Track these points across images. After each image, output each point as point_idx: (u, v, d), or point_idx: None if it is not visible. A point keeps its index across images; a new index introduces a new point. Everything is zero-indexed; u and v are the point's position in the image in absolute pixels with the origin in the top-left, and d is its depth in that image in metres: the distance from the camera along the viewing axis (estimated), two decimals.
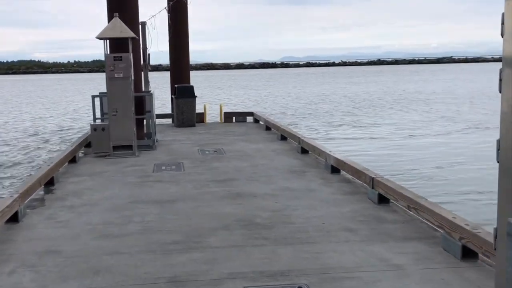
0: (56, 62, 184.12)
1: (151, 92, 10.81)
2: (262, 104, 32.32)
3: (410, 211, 5.31)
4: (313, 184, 7.13)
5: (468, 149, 14.76)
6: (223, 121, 15.19)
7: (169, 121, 15.43)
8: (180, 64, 15.01)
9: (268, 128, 13.09)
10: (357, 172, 6.81)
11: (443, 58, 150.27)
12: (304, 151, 9.52)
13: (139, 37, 10.72)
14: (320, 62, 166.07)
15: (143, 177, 7.81)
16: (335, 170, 7.76)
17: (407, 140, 16.58)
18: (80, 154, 10.01)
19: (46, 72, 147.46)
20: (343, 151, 13.35)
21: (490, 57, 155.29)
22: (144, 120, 11.08)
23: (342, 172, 7.63)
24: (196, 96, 14.16)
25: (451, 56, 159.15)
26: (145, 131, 11.12)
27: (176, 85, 14.25)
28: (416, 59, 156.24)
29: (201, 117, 15.00)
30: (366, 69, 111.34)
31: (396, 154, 14.02)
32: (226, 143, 11.02)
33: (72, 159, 9.10)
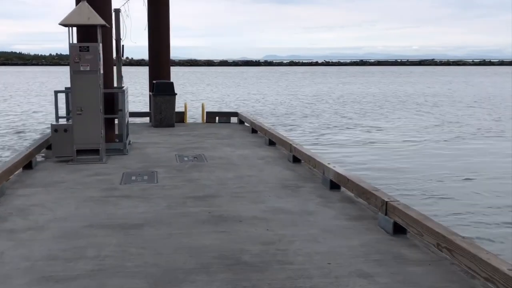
0: (37, 54, 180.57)
1: (124, 88, 9.55)
2: (250, 104, 31.07)
3: (441, 251, 4.19)
4: (311, 205, 5.97)
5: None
6: (205, 121, 13.97)
7: (146, 120, 14.15)
8: (159, 58, 13.70)
9: (254, 131, 11.91)
10: (364, 193, 5.68)
11: (425, 60, 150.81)
12: (296, 160, 8.38)
13: (111, 25, 9.44)
14: (304, 61, 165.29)
15: (108, 191, 6.56)
16: (334, 185, 6.62)
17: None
18: (40, 158, 8.72)
19: (26, 64, 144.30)
20: (348, 161, 12.20)
21: (471, 60, 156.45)
22: (116, 120, 9.83)
23: (343, 188, 6.51)
24: (176, 94, 12.91)
25: (433, 59, 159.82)
26: (116, 133, 9.87)
27: (154, 81, 12.99)
28: (399, 60, 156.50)
29: (181, 117, 13.76)
30: (352, 70, 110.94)
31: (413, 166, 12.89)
32: (208, 148, 9.82)
33: (27, 165, 7.81)
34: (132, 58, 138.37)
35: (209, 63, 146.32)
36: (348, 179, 6.17)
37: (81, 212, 5.61)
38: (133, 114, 14.36)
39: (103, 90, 8.62)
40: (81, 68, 8.22)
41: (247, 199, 6.16)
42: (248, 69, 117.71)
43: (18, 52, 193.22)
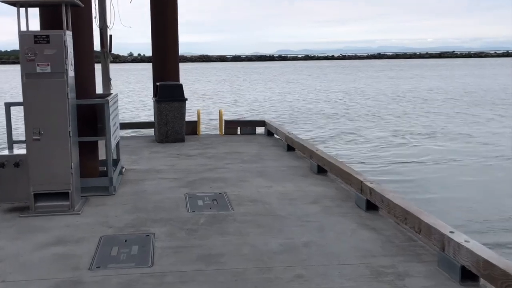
0: None
1: (111, 96, 6.64)
2: (281, 106, 27.37)
3: None
4: None
5: None
6: (223, 132, 11.01)
7: (150, 132, 11.18)
8: (165, 54, 10.71)
9: (291, 147, 8.93)
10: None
11: (446, 52, 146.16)
12: (373, 206, 5.40)
13: (90, 7, 6.49)
14: (319, 55, 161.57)
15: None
16: (466, 273, 3.66)
17: None
18: None
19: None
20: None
21: (493, 52, 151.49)
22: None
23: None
24: (186, 99, 9.99)
25: (453, 51, 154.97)
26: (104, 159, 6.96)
27: (158, 83, 10.07)
28: (417, 53, 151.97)
29: (193, 128, 10.82)
30: (375, 63, 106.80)
31: None
32: (232, 180, 6.88)
33: None
34: (144, 55, 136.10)
35: (221, 59, 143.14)
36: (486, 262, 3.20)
37: None
38: (133, 126, 11.51)
39: (75, 100, 5.73)
40: (38, 70, 5.31)
41: None
42: (263, 64, 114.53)
43: None
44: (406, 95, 32.76)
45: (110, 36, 7.17)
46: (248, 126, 11.05)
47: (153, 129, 10.69)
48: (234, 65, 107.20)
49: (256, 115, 22.94)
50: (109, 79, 7.16)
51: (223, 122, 11.08)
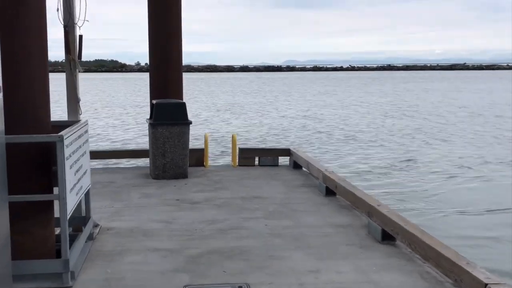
0: (58, 61, 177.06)
1: (74, 127, 4.34)
2: (313, 124, 23.33)
3: None
4: None
5: None
6: (237, 163, 8.67)
7: (146, 163, 8.78)
8: (165, 65, 8.40)
9: (330, 191, 6.58)
10: None
11: (457, 64, 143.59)
12: None
13: None
14: (328, 66, 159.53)
15: None
16: None
17: None
18: None
19: None
20: None
21: (506, 64, 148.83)
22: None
23: None
24: (190, 122, 7.69)
25: (464, 63, 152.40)
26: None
27: (153, 101, 7.78)
28: (428, 65, 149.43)
29: (198, 157, 8.51)
30: (389, 75, 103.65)
31: None
32: (255, 254, 4.54)
33: None
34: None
35: (229, 69, 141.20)
36: None
37: None
38: (123, 154, 9.21)
39: (5, 138, 3.41)
40: None
41: None
42: (273, 74, 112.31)
43: None
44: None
45: (80, 37, 4.92)
46: (268, 156, 8.72)
47: (148, 158, 8.34)
48: (247, 76, 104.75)
49: (292, 138, 18.88)
50: (78, 100, 4.89)
51: (237, 150, 8.76)
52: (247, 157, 8.63)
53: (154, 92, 8.43)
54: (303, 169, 8.20)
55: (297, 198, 6.54)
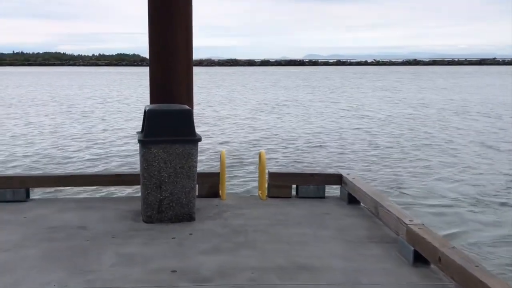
0: (81, 55, 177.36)
1: None
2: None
3: None
4: None
5: None
6: (266, 195, 6.11)
7: (137, 195, 6.25)
8: (168, 60, 5.83)
9: (420, 256, 4.02)
10: None
11: (487, 59, 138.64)
12: None
13: None
14: (352, 61, 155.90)
15: None
16: None
17: None
18: None
19: (63, 65, 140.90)
20: None
21: None
22: None
23: None
24: (200, 139, 5.18)
25: (494, 58, 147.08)
26: None
27: (146, 108, 5.28)
28: (456, 59, 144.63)
29: (211, 185, 5.99)
30: (424, 70, 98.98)
31: None
32: None
33: None
34: None
35: (250, 63, 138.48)
36: None
37: None
38: (111, 181, 6.65)
39: None
40: None
41: None
42: (296, 69, 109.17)
43: (62, 52, 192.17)
44: None
45: None
46: (310, 184, 6.15)
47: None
48: (272, 70, 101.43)
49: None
50: None
51: (266, 175, 6.19)
52: (281, 185, 6.08)
53: (154, 93, 5.93)
54: (361, 204, 5.66)
55: (369, 269, 3.99)
